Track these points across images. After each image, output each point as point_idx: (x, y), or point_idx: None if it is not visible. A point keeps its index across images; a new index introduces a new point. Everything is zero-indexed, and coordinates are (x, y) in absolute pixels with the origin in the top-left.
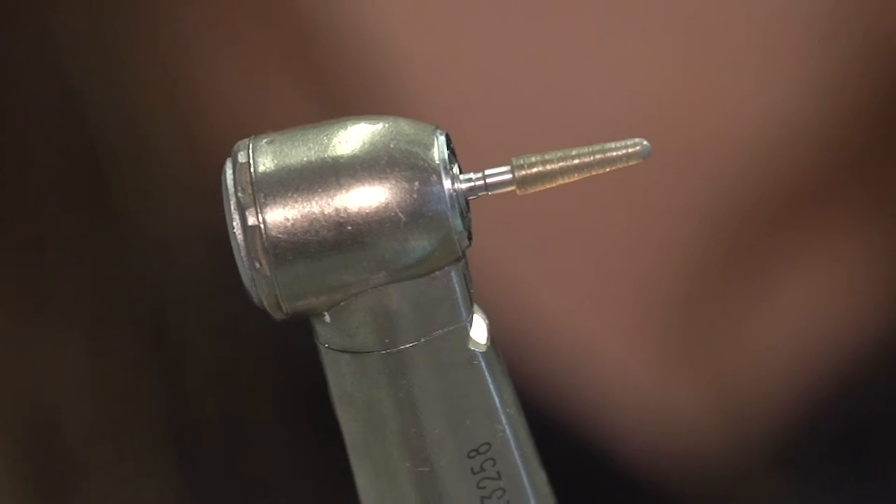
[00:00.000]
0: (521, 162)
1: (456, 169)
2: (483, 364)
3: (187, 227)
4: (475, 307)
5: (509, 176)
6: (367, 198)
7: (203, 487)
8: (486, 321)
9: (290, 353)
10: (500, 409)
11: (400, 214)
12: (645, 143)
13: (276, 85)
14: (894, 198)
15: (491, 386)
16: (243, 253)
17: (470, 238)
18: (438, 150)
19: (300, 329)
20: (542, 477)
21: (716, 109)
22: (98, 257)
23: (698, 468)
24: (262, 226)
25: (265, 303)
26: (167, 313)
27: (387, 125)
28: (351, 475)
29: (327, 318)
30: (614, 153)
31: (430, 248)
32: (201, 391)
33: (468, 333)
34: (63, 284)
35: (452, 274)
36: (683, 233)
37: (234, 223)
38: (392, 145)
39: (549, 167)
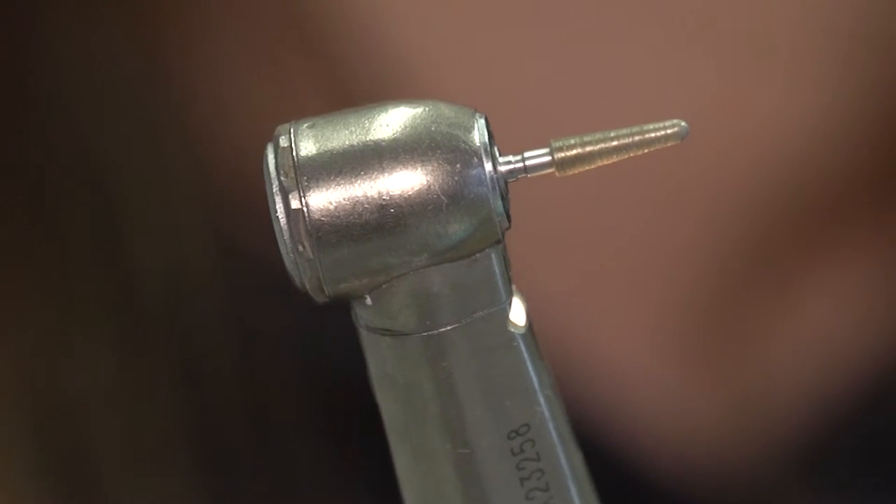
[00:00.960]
0: (561, 144)
1: (496, 152)
2: (522, 346)
3: (207, 236)
4: (514, 289)
5: (548, 158)
6: (409, 180)
7: (227, 492)
8: (525, 303)
9: (312, 357)
10: (538, 391)
11: (442, 197)
12: (683, 124)
13: (296, 88)
14: None
15: (530, 367)
16: (286, 237)
17: (509, 220)
18: (479, 133)
19: (322, 333)
20: (579, 458)
21: (739, 123)
22: (122, 266)
23: (720, 479)
24: (305, 209)
25: (308, 286)
26: (189, 320)
27: (427, 108)
28: (379, 474)
29: (369, 300)
30: (653, 134)
31: (472, 230)
32: (225, 397)
33: (507, 315)
34: (88, 292)
35: (493, 256)
36: (707, 244)
37: (278, 207)
38: (433, 128)
39: (588, 149)
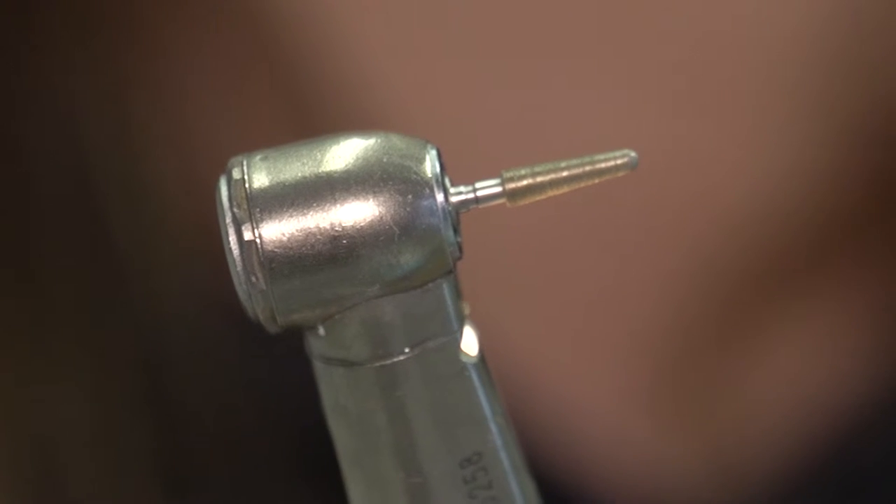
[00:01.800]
0: (511, 174)
1: (447, 182)
2: (474, 374)
3: (180, 273)
4: (466, 319)
5: (499, 189)
6: (361, 211)
7: None
8: (477, 332)
9: (285, 393)
10: (490, 419)
11: (394, 227)
12: (632, 154)
13: (261, 117)
14: (881, 261)
15: (482, 396)
16: (239, 268)
17: (461, 251)
18: (431, 164)
19: (295, 371)
20: (531, 487)
21: (710, 170)
22: (95, 302)
23: None
24: (258, 241)
25: (261, 317)
26: (163, 357)
27: (379, 140)
28: None
29: (321, 330)
30: (603, 164)
31: (424, 260)
32: (198, 433)
33: (459, 345)
34: (60, 328)
35: (444, 286)
36: (677, 289)
37: (231, 239)
38: (385, 159)
39: (538, 179)
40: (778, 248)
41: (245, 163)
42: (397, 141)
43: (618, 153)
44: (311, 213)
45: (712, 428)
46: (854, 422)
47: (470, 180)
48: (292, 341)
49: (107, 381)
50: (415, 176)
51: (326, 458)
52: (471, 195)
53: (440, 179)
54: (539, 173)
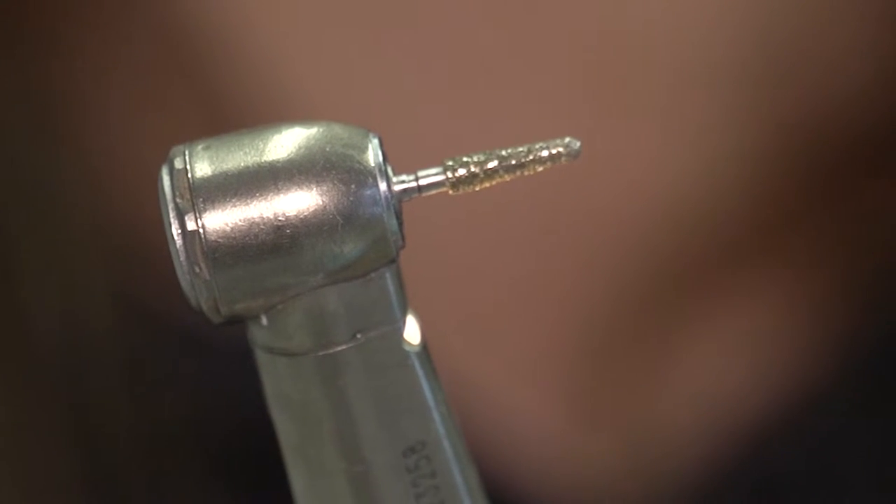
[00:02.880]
0: (454, 163)
1: (390, 171)
2: (417, 364)
3: (102, 286)
4: (408, 308)
5: (442, 177)
6: (304, 201)
7: None
8: (419, 322)
9: (210, 407)
10: (433, 408)
11: (337, 217)
12: (576, 143)
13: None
14: (800, 260)
15: (424, 385)
16: (183, 258)
17: (404, 240)
18: (373, 153)
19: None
20: (474, 474)
21: (626, 170)
22: (15, 319)
23: None
24: (201, 231)
25: (204, 307)
26: (85, 372)
27: (321, 129)
28: None
29: (265, 320)
30: (545, 152)
31: (366, 249)
32: (121, 449)
33: (402, 334)
34: None
35: (387, 275)
36: (593, 290)
37: (174, 229)
38: (328, 149)
39: (481, 168)
40: (694, 246)
41: (187, 152)
42: (339, 130)
43: (560, 141)
44: (254, 202)
45: (631, 424)
46: (771, 420)
47: (411, 169)
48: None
49: (27, 399)
50: (357, 165)
51: (253, 469)
52: (413, 184)
53: (383, 168)
54: (481, 162)
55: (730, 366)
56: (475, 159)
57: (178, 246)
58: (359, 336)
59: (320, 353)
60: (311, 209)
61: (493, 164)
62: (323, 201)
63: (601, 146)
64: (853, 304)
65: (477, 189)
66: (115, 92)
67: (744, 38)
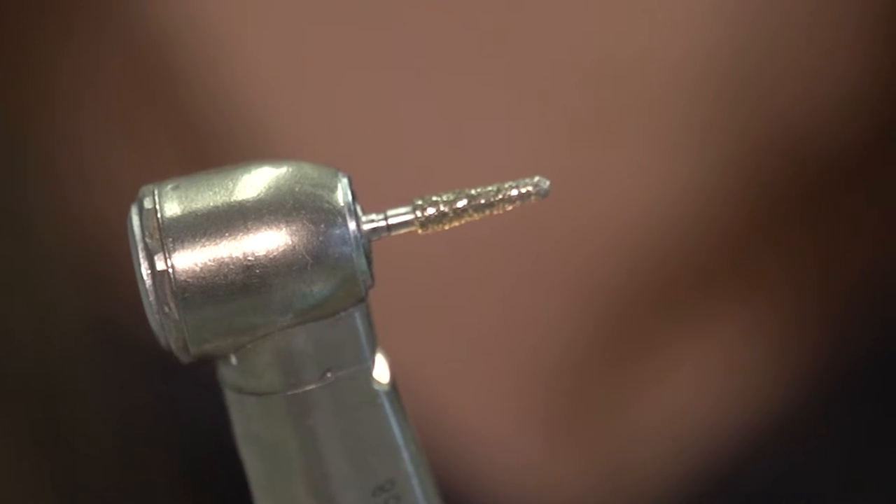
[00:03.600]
0: (423, 202)
1: (359, 211)
2: (386, 403)
3: (76, 312)
4: (378, 347)
5: (411, 216)
6: (274, 241)
7: None
8: (388, 360)
9: (186, 432)
10: (402, 447)
11: (306, 256)
12: (546, 183)
13: (162, 164)
14: (776, 283)
15: (394, 424)
16: (152, 298)
17: (373, 279)
18: (342, 193)
19: (196, 407)
20: None
21: (600, 194)
22: None
23: None
24: (170, 270)
25: (173, 346)
26: (60, 398)
27: (290, 168)
28: None
29: (234, 360)
30: (514, 192)
31: (336, 289)
32: (98, 474)
33: (371, 373)
34: None
35: (356, 315)
36: (568, 313)
37: (143, 268)
38: (297, 188)
39: (450, 207)
40: (669, 270)
41: (156, 192)
42: (308, 169)
43: (529, 180)
44: (223, 242)
45: (608, 450)
46: (747, 442)
47: (381, 208)
48: (191, 372)
49: (2, 424)
50: (327, 205)
51: (228, 493)
52: (382, 223)
53: (352, 208)
54: (450, 201)
55: (705, 389)
56: (444, 198)
57: (147, 286)
58: (328, 375)
59: (290, 393)
60: (280, 249)
61: (462, 203)
62: (292, 241)
63: (577, 169)
64: (829, 328)
65: (446, 228)
66: (87, 117)
67: (720, 57)
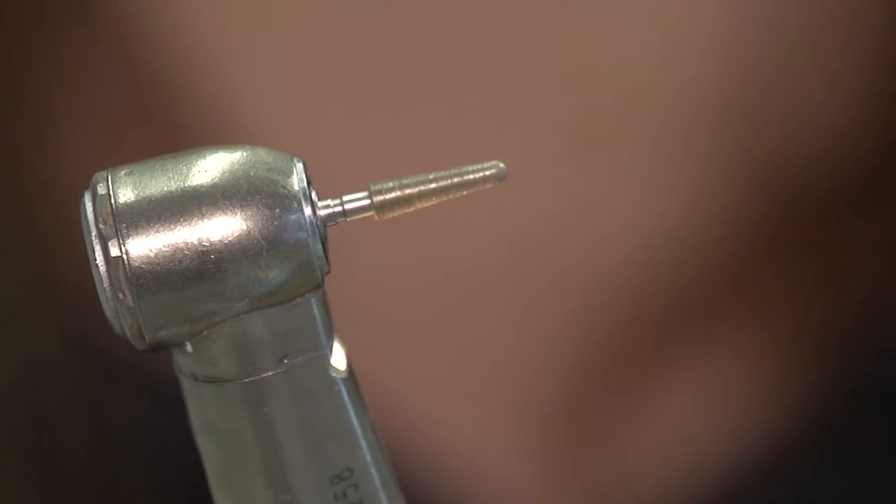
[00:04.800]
0: (379, 187)
1: (314, 196)
2: (343, 390)
3: (54, 327)
4: (335, 335)
5: (367, 202)
6: (228, 226)
7: None
8: (345, 348)
9: (166, 445)
10: (360, 435)
11: (262, 242)
12: (501, 165)
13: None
14: (774, 312)
15: (351, 411)
16: (106, 284)
17: (329, 264)
18: (298, 178)
19: (175, 421)
20: (401, 502)
21: (599, 222)
22: None
23: None
24: (125, 256)
25: (128, 333)
26: (40, 414)
27: (245, 153)
28: None
29: (189, 347)
30: (472, 175)
31: (291, 274)
32: (78, 488)
33: (328, 360)
34: None
35: (313, 301)
36: (566, 345)
37: (97, 255)
38: (252, 173)
39: (406, 191)
40: (668, 298)
41: (109, 178)
42: (263, 154)
43: (486, 164)
44: (178, 228)
45: (604, 481)
46: (746, 471)
47: (338, 194)
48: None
49: None
50: (282, 189)
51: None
52: (339, 208)
53: (307, 193)
54: (407, 185)
55: (705, 419)
56: (401, 182)
57: (101, 272)
58: (285, 362)
59: (246, 380)
60: (235, 234)
61: (419, 188)
62: (247, 226)
63: (576, 198)
64: (829, 356)
65: (404, 212)
66: (59, 120)
67: (725, 83)
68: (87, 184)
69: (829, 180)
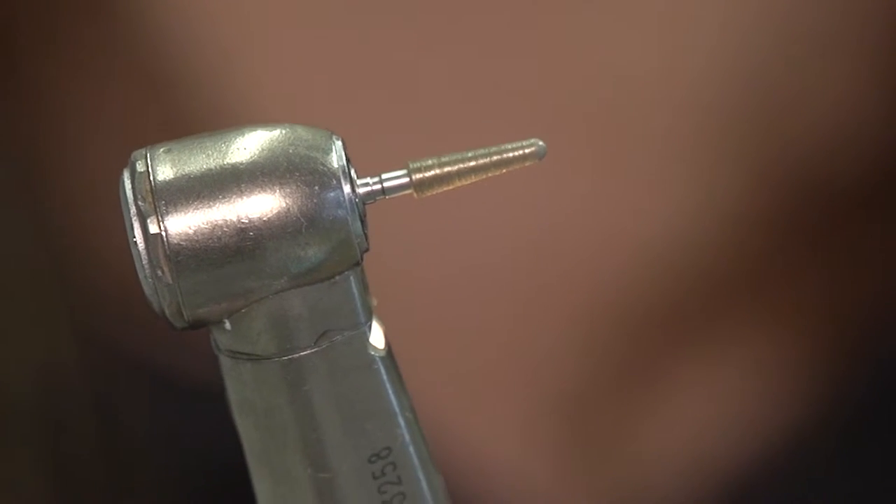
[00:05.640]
0: (418, 165)
1: (353, 174)
2: (382, 368)
3: (68, 328)
4: (373, 312)
5: (406, 179)
6: (268, 203)
7: None
8: (384, 327)
9: (182, 447)
10: (399, 414)
11: (301, 219)
12: (540, 143)
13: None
14: (785, 310)
15: (389, 390)
16: (145, 262)
17: (368, 242)
18: (337, 155)
19: (190, 422)
20: (439, 481)
21: (610, 221)
22: None
23: None
24: (163, 234)
25: (167, 311)
26: (55, 416)
27: (284, 131)
28: None
29: (228, 325)
30: (511, 154)
31: (331, 252)
32: (93, 489)
33: (367, 338)
34: None
35: (351, 279)
36: (577, 338)
37: (136, 232)
38: (291, 150)
39: (445, 169)
40: (680, 296)
41: (148, 155)
42: (302, 132)
43: (525, 142)
44: (217, 205)
45: (615, 477)
46: (757, 470)
47: (376, 172)
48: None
49: None
50: (321, 167)
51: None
52: (378, 186)
53: (346, 170)
54: (446, 163)
55: (716, 416)
56: (440, 161)
57: (140, 249)
58: (324, 340)
59: (284, 358)
60: (274, 212)
61: (458, 166)
62: (286, 204)
63: (586, 197)
64: (842, 354)
65: (444, 190)
66: (74, 120)
67: (734, 83)
68: (101, 183)
69: (839, 181)
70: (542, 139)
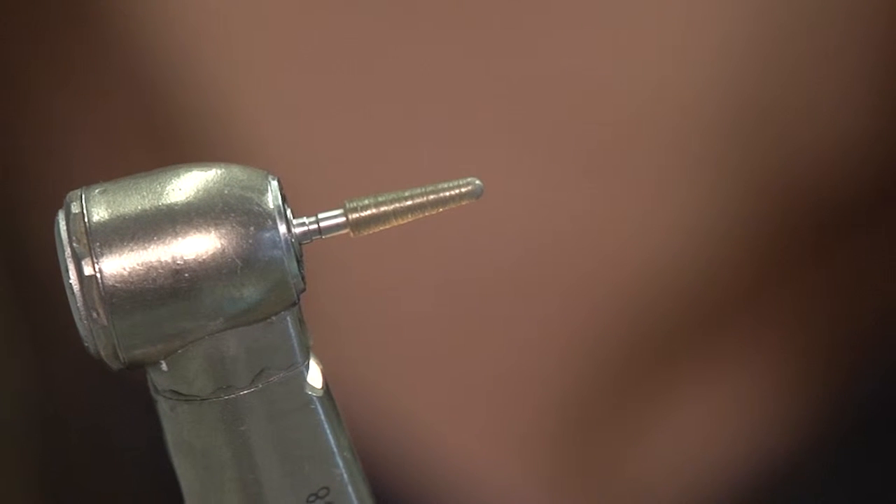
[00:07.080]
0: (355, 204)
1: (289, 213)
2: (319, 408)
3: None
4: (311, 352)
5: (343, 219)
6: (203, 244)
7: None
8: (321, 366)
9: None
10: (336, 453)
11: (237, 260)
12: (477, 182)
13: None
14: (785, 326)
15: (327, 430)
16: (80, 304)
17: (304, 283)
18: (272, 195)
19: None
20: None
21: (608, 236)
22: None
23: None
24: (98, 275)
25: (102, 353)
26: (52, 440)
27: (219, 171)
28: None
29: (164, 366)
30: (447, 193)
31: (267, 293)
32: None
33: (305, 378)
34: None
35: (288, 319)
36: (575, 356)
37: (70, 274)
38: (226, 191)
39: (382, 209)
40: (678, 313)
41: (83, 196)
42: (238, 172)
43: (462, 181)
44: (152, 246)
45: (616, 495)
46: (756, 485)
47: (313, 211)
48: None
49: None
50: (256, 207)
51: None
52: (314, 226)
53: (282, 210)
54: (382, 203)
55: (715, 434)
56: (376, 200)
57: (75, 291)
58: (260, 380)
59: (221, 398)
60: (209, 253)
61: (394, 205)
62: (221, 244)
63: (587, 209)
64: (840, 370)
65: (379, 230)
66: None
67: (732, 99)
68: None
69: (842, 191)
70: (539, 151)
